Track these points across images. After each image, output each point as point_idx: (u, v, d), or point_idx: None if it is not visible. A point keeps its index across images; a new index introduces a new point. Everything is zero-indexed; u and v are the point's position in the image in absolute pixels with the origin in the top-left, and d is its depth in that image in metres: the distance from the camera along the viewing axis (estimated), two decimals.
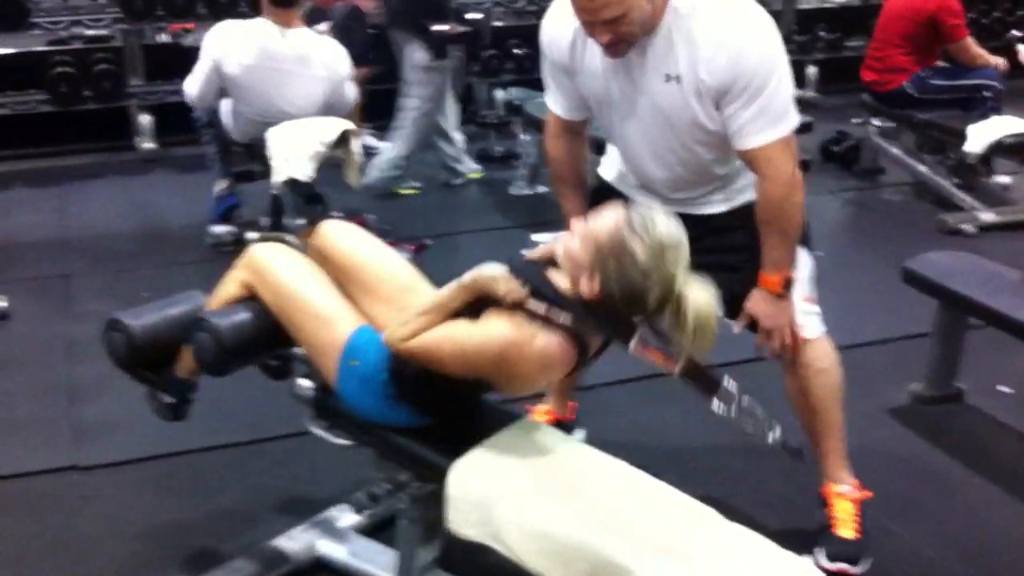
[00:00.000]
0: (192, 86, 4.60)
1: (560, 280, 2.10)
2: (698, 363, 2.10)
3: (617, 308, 2.04)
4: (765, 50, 2.32)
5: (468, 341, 2.05)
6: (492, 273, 2.07)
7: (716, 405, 2.15)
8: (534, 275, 2.10)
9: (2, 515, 2.88)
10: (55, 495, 2.97)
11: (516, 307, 2.05)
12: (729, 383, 2.16)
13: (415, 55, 5.49)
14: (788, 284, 2.48)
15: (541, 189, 5.69)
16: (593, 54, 2.44)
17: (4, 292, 4.26)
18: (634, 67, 2.41)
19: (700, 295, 2.01)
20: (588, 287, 2.03)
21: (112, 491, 2.99)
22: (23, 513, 2.89)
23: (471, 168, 6.07)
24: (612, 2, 2.23)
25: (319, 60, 4.54)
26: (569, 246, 2.09)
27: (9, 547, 2.73)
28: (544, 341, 2.02)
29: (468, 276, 2.09)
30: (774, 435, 2.20)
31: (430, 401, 2.22)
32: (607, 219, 2.06)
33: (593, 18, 2.30)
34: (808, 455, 2.60)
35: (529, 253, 2.20)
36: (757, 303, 2.51)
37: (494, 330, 2.03)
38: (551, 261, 2.14)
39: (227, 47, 4.46)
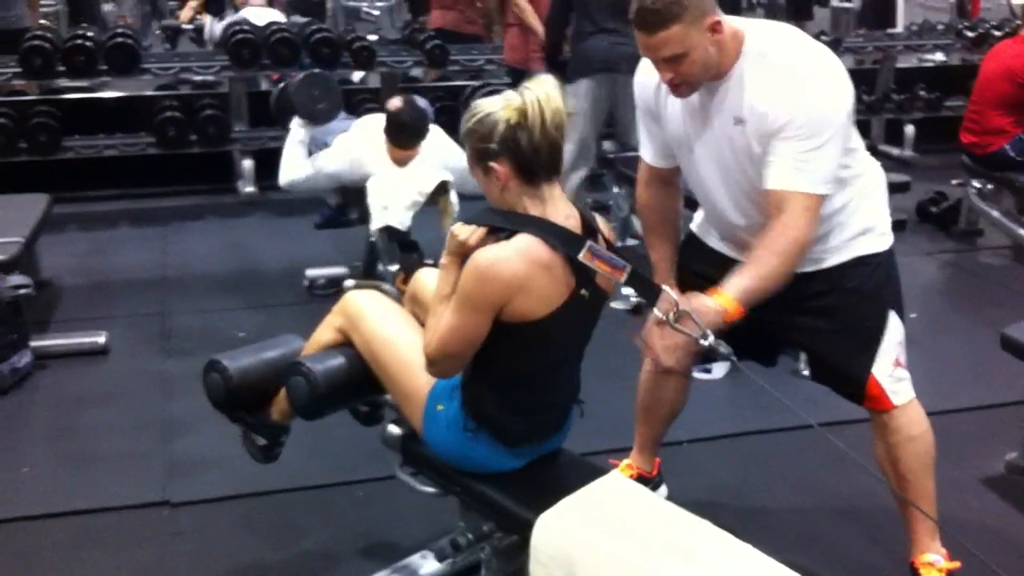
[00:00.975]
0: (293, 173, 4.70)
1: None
2: (642, 272, 2.21)
3: (521, 160, 2.14)
4: (830, 104, 2.32)
5: (458, 291, 2.14)
6: (455, 233, 2.21)
7: (658, 311, 2.20)
8: (485, 212, 2.25)
9: (93, 548, 2.96)
10: (145, 530, 3.04)
11: (482, 245, 2.17)
12: (671, 291, 2.21)
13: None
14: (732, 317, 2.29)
15: (631, 242, 5.70)
16: (675, 99, 2.48)
17: (104, 327, 4.39)
18: (708, 110, 2.43)
19: (539, 86, 2.14)
20: (499, 177, 2.16)
21: (200, 528, 3.05)
22: (113, 546, 2.96)
23: None
24: (671, 41, 2.28)
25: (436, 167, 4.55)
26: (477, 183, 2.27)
27: None
28: (508, 243, 2.13)
29: (444, 254, 2.24)
30: (709, 340, 2.18)
31: (506, 405, 2.25)
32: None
33: (654, 55, 2.35)
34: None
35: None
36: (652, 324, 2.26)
37: (468, 265, 2.13)
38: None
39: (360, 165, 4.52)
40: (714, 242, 2.71)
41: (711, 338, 2.19)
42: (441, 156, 4.51)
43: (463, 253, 2.18)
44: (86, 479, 3.32)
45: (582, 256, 2.12)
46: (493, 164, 2.16)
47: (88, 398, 3.90)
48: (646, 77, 2.56)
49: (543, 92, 2.13)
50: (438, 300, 2.21)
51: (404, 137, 4.40)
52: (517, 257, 2.10)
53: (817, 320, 2.55)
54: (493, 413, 2.24)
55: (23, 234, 4.42)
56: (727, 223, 2.60)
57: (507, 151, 2.14)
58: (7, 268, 4.23)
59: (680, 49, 2.29)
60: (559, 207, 2.20)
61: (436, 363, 2.21)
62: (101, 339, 4.31)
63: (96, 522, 3.08)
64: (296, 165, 4.66)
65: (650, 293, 2.23)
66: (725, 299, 2.25)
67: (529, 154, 2.14)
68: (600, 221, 2.30)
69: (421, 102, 4.54)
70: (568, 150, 5.40)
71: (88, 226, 5.97)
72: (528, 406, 2.29)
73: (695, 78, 2.36)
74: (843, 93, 2.35)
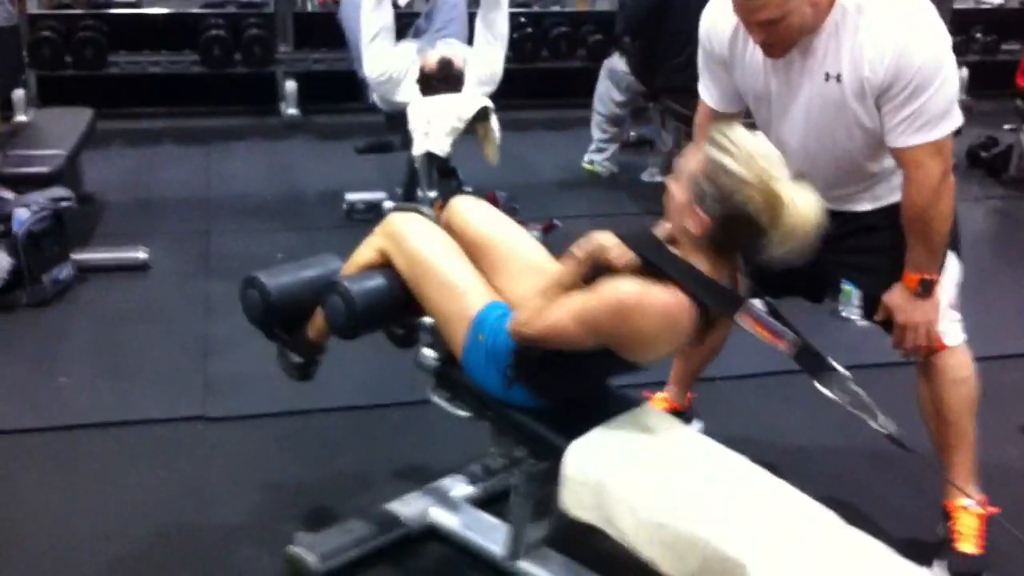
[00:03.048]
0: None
1: (671, 245, 2.09)
2: (808, 343, 2.05)
3: (727, 234, 2.00)
4: (931, 51, 2.26)
5: (586, 305, 2.03)
6: (602, 241, 2.07)
7: (823, 386, 2.09)
8: (644, 241, 2.09)
9: (130, 459, 3.00)
10: (182, 443, 3.08)
11: (629, 272, 2.04)
12: (839, 367, 2.09)
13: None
14: (927, 285, 2.42)
15: None
16: (755, 50, 2.42)
17: (146, 244, 4.42)
18: (795, 65, 2.38)
19: (804, 197, 1.94)
20: (695, 222, 2.00)
21: (236, 444, 3.08)
22: (150, 458, 3.00)
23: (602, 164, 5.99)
24: (770, 4, 2.22)
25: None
26: (669, 192, 2.08)
27: (140, 489, 2.84)
28: (660, 293, 1.98)
29: (580, 248, 2.10)
30: (880, 423, 2.11)
31: (551, 386, 2.23)
32: (693, 153, 2.06)
33: (749, 17, 2.29)
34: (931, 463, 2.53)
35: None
36: (894, 296, 2.47)
37: (609, 289, 2.01)
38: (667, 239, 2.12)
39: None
40: None
41: (881, 419, 2.12)
42: (475, 75, 4.50)
43: (599, 263, 2.08)
44: (124, 392, 3.36)
45: (741, 320, 2.03)
46: (701, 212, 1.99)
47: (128, 313, 3.95)
48: (719, 21, 2.49)
49: (806, 214, 1.93)
50: (555, 285, 2.12)
51: (429, 93, 4.41)
52: (662, 315, 1.98)
53: (873, 257, 2.52)
54: (537, 378, 2.23)
55: (67, 147, 4.45)
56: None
57: (725, 225, 1.98)
58: (50, 180, 4.27)
59: (779, 13, 2.23)
60: (723, 272, 2.08)
61: (528, 339, 2.14)
62: (141, 254, 4.34)
63: (133, 434, 3.13)
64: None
65: (820, 369, 2.09)
66: (907, 278, 2.42)
67: (739, 241, 2.03)
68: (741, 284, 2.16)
69: (457, 62, 4.47)
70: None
71: (132, 143, 6.00)
72: (575, 391, 2.28)
73: (792, 39, 2.31)
74: (943, 36, 2.30)
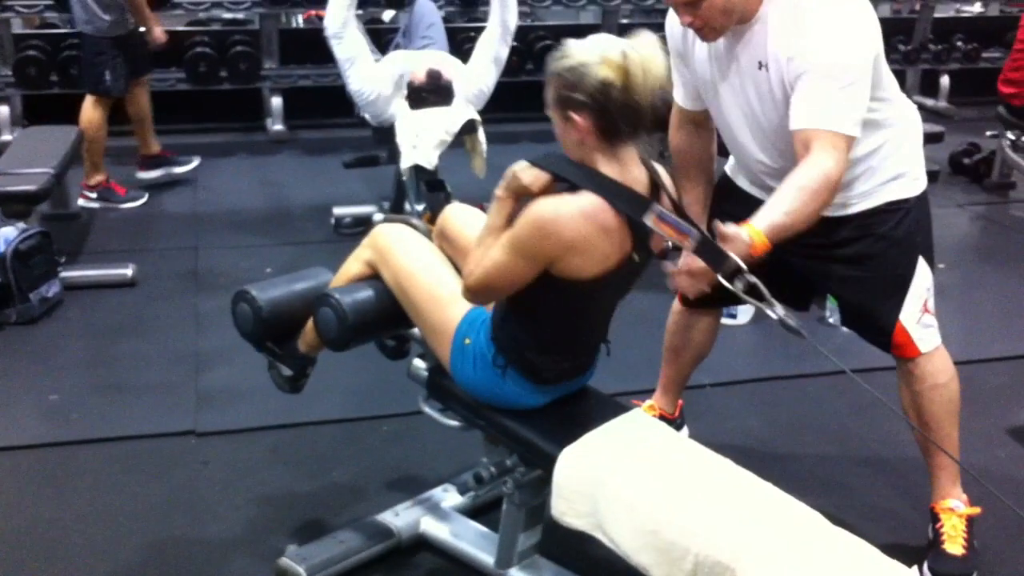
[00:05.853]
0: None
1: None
2: (709, 238, 2.10)
3: (607, 120, 2.06)
4: (848, 48, 2.28)
5: (512, 235, 2.10)
6: (516, 171, 2.16)
7: (724, 278, 2.09)
8: (554, 159, 2.17)
9: (123, 474, 3.00)
10: (174, 458, 3.08)
11: (545, 192, 2.12)
12: (735, 257, 2.08)
13: None
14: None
15: None
16: (701, 42, 2.45)
17: (134, 261, 4.42)
18: (734, 53, 2.41)
19: (639, 41, 2.06)
20: (578, 131, 2.08)
21: (229, 458, 3.09)
22: (143, 473, 3.01)
23: None
24: None
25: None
26: (555, 130, 2.16)
27: (132, 504, 2.85)
28: (573, 199, 2.07)
29: (500, 188, 2.18)
30: (778, 313, 2.10)
31: (535, 347, 2.24)
32: (548, 88, 2.14)
33: (673, 1, 2.34)
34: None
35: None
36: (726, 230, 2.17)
37: (528, 212, 2.08)
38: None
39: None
40: (744, 184, 2.70)
41: (780, 309, 2.10)
42: (463, 90, 4.52)
43: (522, 194, 2.15)
44: (116, 407, 3.36)
45: (648, 220, 2.07)
46: (575, 115, 2.07)
47: (118, 329, 3.95)
48: (673, 18, 2.53)
49: (647, 54, 2.04)
50: (487, 231, 2.17)
51: (419, 106, 4.42)
52: (580, 217, 2.04)
53: (847, 267, 2.53)
54: (525, 353, 2.24)
55: (53, 165, 4.45)
56: (753, 167, 2.58)
57: (594, 108, 2.05)
58: (37, 198, 4.27)
59: None
60: (632, 169, 2.14)
61: (475, 293, 2.21)
62: (128, 271, 4.35)
63: (125, 449, 3.13)
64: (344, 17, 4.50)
65: (718, 259, 2.09)
66: (753, 231, 2.16)
67: (617, 116, 2.06)
68: (665, 176, 2.24)
69: (446, 73, 4.49)
70: None
71: (118, 159, 5.97)
72: (560, 349, 2.29)
73: (717, 22, 2.33)
74: (867, 37, 2.32)
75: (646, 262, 2.21)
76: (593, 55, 2.05)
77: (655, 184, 2.18)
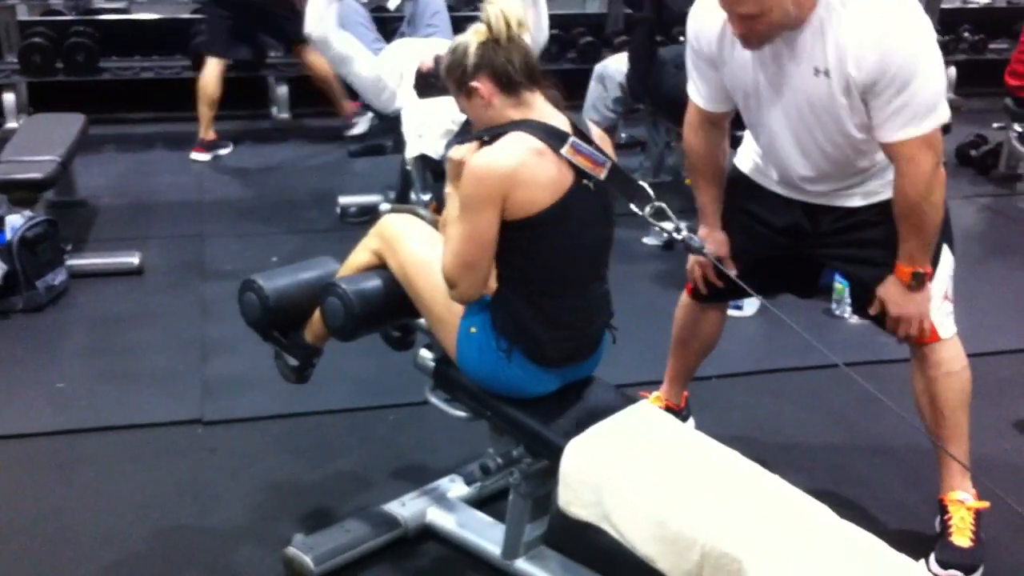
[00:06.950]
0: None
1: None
2: (619, 167, 2.27)
3: (503, 76, 2.20)
4: (914, 45, 2.27)
5: (462, 198, 2.18)
6: (452, 156, 2.29)
7: (636, 206, 2.35)
8: (472, 132, 2.33)
9: (129, 462, 3.01)
10: (180, 447, 3.09)
11: None
12: (643, 184, 2.36)
13: None
14: (919, 278, 2.45)
15: (666, 178, 5.65)
16: (743, 48, 2.44)
17: (140, 249, 4.43)
18: (783, 60, 2.39)
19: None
20: (484, 97, 2.22)
21: (235, 446, 3.09)
22: (149, 462, 3.01)
23: None
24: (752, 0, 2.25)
25: None
26: (469, 117, 2.35)
27: (139, 492, 2.85)
28: (500, 140, 2.18)
29: (449, 175, 2.31)
30: (683, 235, 2.40)
31: (535, 325, 2.24)
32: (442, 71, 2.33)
33: (730, 9, 2.31)
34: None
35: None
36: (887, 289, 2.50)
37: (465, 171, 2.18)
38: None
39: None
40: (768, 183, 2.68)
41: (684, 231, 2.40)
42: None
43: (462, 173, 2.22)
44: (122, 396, 3.37)
45: (565, 151, 2.16)
46: (474, 84, 2.21)
47: (124, 317, 3.95)
48: (706, 22, 2.51)
49: (504, 3, 2.20)
50: (451, 220, 2.23)
51: (426, 94, 4.41)
52: (508, 149, 2.15)
53: (868, 251, 2.54)
54: (525, 326, 2.24)
55: (59, 153, 4.45)
56: (789, 168, 2.57)
57: (483, 67, 2.20)
58: (44, 186, 4.27)
59: (757, 9, 2.25)
60: (545, 112, 2.24)
61: (456, 279, 2.21)
62: (135, 259, 4.35)
63: (132, 437, 3.13)
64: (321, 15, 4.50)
65: (630, 189, 2.33)
66: (903, 274, 2.43)
67: (503, 64, 2.19)
68: (594, 130, 2.36)
69: None
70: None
71: (124, 147, 6.00)
72: (559, 317, 2.28)
73: (771, 34, 2.33)
74: (925, 30, 2.31)
75: (605, 196, 2.28)
76: (465, 33, 2.25)
77: (573, 125, 2.27)
